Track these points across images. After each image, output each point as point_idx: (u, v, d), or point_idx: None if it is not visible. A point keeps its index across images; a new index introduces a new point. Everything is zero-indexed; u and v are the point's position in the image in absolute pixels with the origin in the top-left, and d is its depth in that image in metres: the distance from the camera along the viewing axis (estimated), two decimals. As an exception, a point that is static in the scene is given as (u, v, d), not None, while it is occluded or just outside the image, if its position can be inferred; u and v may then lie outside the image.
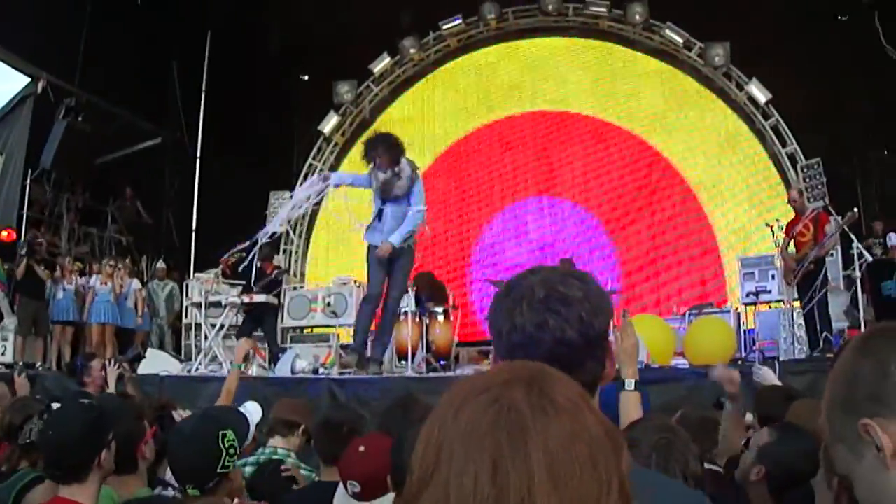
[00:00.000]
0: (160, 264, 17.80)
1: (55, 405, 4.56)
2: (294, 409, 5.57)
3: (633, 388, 3.25)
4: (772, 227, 12.08)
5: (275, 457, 5.10)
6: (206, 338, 12.82)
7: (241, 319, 13.45)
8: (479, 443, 1.10)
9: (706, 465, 4.00)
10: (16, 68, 16.63)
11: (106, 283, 15.17)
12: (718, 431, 5.07)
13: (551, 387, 1.17)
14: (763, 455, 3.46)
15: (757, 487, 3.46)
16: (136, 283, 15.88)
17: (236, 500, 3.50)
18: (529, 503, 1.06)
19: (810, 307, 11.03)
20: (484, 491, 1.07)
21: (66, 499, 3.48)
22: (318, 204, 12.96)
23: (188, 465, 3.45)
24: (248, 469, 4.89)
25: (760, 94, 16.60)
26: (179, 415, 4.68)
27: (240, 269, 13.01)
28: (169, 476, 4.10)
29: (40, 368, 13.85)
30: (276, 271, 13.57)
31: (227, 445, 3.44)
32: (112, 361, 9.25)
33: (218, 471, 3.39)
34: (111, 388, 8.07)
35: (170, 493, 4.05)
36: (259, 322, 13.60)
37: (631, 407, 3.24)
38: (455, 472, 1.10)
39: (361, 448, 3.65)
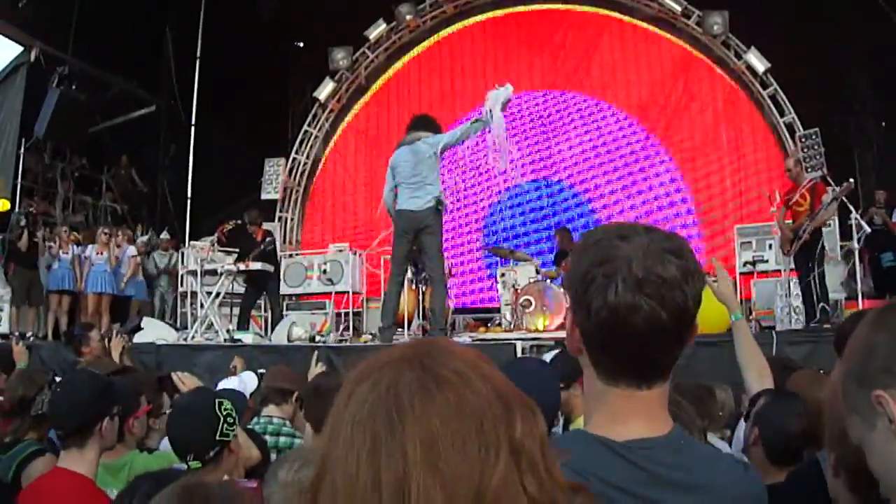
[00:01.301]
0: (164, 235, 17.77)
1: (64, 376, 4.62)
2: (287, 376, 5.56)
3: (741, 317, 3.83)
4: (769, 197, 12.06)
5: (270, 426, 5.09)
6: (202, 306, 12.81)
7: (235, 287, 13.44)
8: (361, 426, 1.13)
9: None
10: (8, 37, 16.54)
11: (102, 253, 15.15)
12: (714, 401, 5.06)
13: (438, 362, 1.18)
14: (757, 418, 3.52)
15: (755, 452, 3.52)
16: (131, 250, 15.83)
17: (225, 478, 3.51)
18: (406, 484, 1.08)
19: (807, 278, 11.02)
20: (364, 474, 1.10)
21: (65, 469, 3.58)
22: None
23: (187, 434, 3.47)
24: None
25: (759, 63, 16.55)
26: (178, 377, 4.68)
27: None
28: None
29: (32, 338, 13.83)
30: (266, 239, 13.54)
31: (224, 413, 3.48)
32: (116, 333, 9.27)
33: (217, 438, 3.42)
34: (117, 361, 8.06)
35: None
36: (261, 289, 13.64)
37: (744, 331, 3.80)
38: (341, 457, 1.13)
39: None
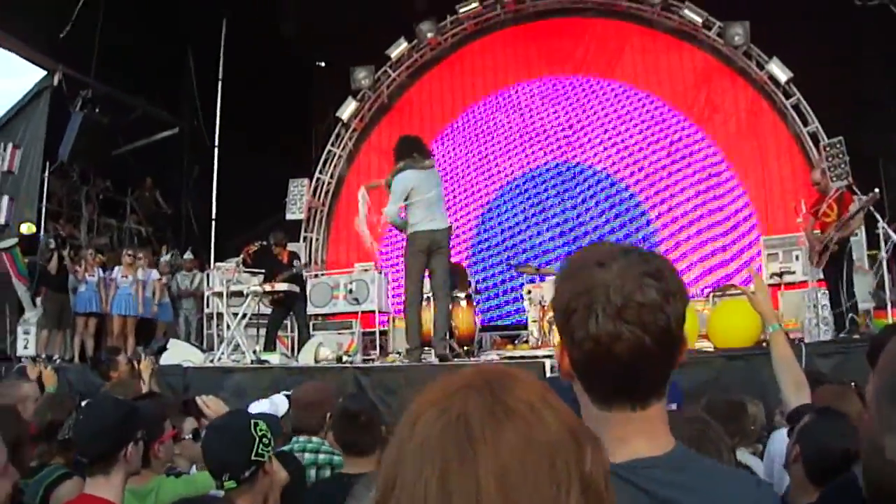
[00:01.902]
0: (187, 255, 17.84)
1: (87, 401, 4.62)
2: (316, 390, 5.53)
3: (778, 328, 3.78)
4: (796, 208, 12.00)
5: (309, 444, 5.07)
6: (228, 327, 12.83)
7: (261, 308, 13.47)
8: (430, 455, 1.09)
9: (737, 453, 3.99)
10: (32, 62, 16.66)
11: (127, 276, 15.20)
12: (745, 417, 5.03)
13: (507, 391, 1.15)
14: (800, 435, 3.50)
15: (795, 469, 3.51)
16: (154, 273, 15.88)
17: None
18: None
19: (836, 288, 10.95)
20: (433, 500, 1.06)
21: (92, 495, 3.58)
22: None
23: (222, 453, 3.51)
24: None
25: (781, 72, 16.48)
26: (202, 400, 4.68)
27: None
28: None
29: (59, 361, 13.89)
30: (295, 262, 13.59)
31: (259, 434, 3.52)
32: (144, 356, 9.28)
33: (252, 458, 3.46)
34: (146, 384, 8.08)
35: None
36: (288, 309, 13.69)
37: (781, 343, 3.69)
38: (408, 485, 1.09)
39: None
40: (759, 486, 1.83)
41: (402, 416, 1.20)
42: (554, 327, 11.89)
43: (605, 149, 18.58)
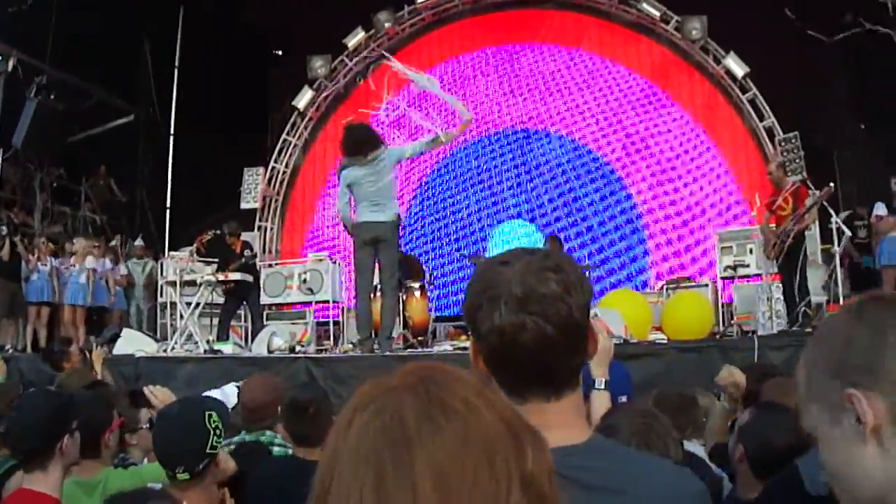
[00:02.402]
0: (138, 242, 17.73)
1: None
2: (262, 398, 5.45)
3: (602, 387, 3.27)
4: (750, 201, 12.07)
5: (262, 437, 5.01)
6: (181, 317, 12.76)
7: (215, 298, 13.41)
8: (365, 458, 1.07)
9: (685, 444, 3.98)
10: (-15, 46, 16.49)
11: (75, 265, 15.04)
12: (697, 409, 5.04)
13: (443, 389, 1.13)
14: (742, 434, 3.51)
15: (741, 468, 3.50)
16: (108, 263, 15.75)
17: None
18: None
19: (790, 282, 11.03)
20: None
21: (30, 489, 3.56)
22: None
23: (177, 446, 3.50)
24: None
25: (738, 67, 16.56)
26: (150, 390, 4.63)
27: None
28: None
29: (11, 351, 13.75)
30: (245, 252, 13.54)
31: (213, 426, 3.53)
32: (95, 345, 9.21)
33: (207, 451, 3.47)
34: (98, 373, 8.01)
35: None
36: (240, 299, 13.65)
37: (600, 405, 3.26)
38: (343, 489, 1.07)
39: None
40: (682, 472, 1.87)
41: (338, 415, 1.18)
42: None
43: (562, 115, 18.71)
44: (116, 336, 12.80)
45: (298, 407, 4.45)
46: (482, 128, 19.19)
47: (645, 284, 16.43)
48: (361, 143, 10.57)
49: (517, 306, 1.70)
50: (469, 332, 1.86)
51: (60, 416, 3.65)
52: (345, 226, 10.98)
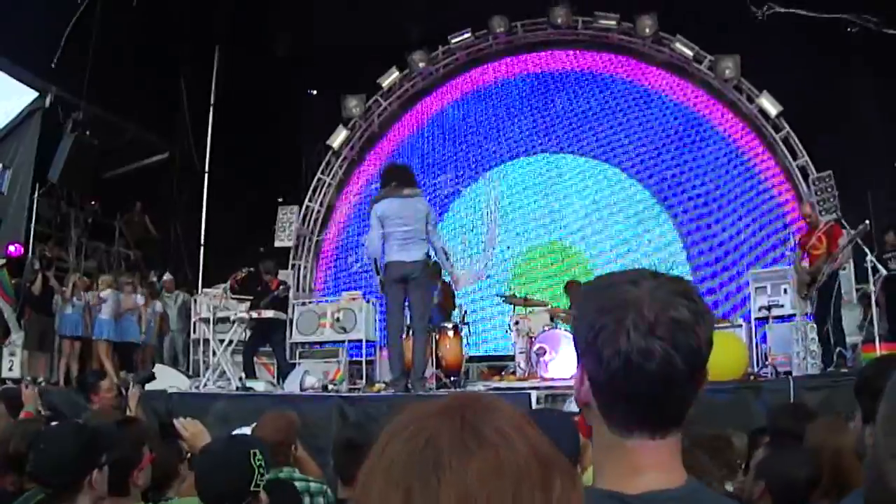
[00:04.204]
0: (167, 276, 17.79)
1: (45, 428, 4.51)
2: (277, 430, 5.41)
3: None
4: (784, 241, 12.00)
5: (280, 473, 4.98)
6: (214, 353, 12.78)
7: (248, 335, 13.44)
8: (396, 478, 1.10)
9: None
10: (24, 83, 16.68)
11: (106, 300, 15.07)
12: (731, 450, 4.99)
13: (480, 419, 1.15)
14: (763, 471, 3.49)
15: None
16: (139, 298, 15.80)
17: None
18: None
19: (823, 322, 10.95)
20: None
21: None
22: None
23: (223, 485, 3.49)
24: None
25: (771, 106, 16.52)
26: (180, 423, 4.62)
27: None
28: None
29: (43, 384, 13.81)
30: (280, 287, 13.57)
31: (257, 464, 3.51)
32: (132, 384, 9.23)
33: (251, 489, 3.47)
34: (132, 412, 8.03)
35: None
36: (266, 337, 13.62)
37: None
38: None
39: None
40: None
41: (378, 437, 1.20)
42: (542, 359, 11.92)
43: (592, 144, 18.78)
44: (151, 377, 12.84)
45: (354, 447, 4.42)
46: (514, 151, 19.32)
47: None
48: (401, 177, 10.58)
49: (647, 330, 1.56)
50: (577, 352, 1.70)
51: (89, 450, 3.64)
52: (374, 262, 10.93)
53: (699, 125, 17.86)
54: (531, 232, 18.79)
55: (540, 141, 19.26)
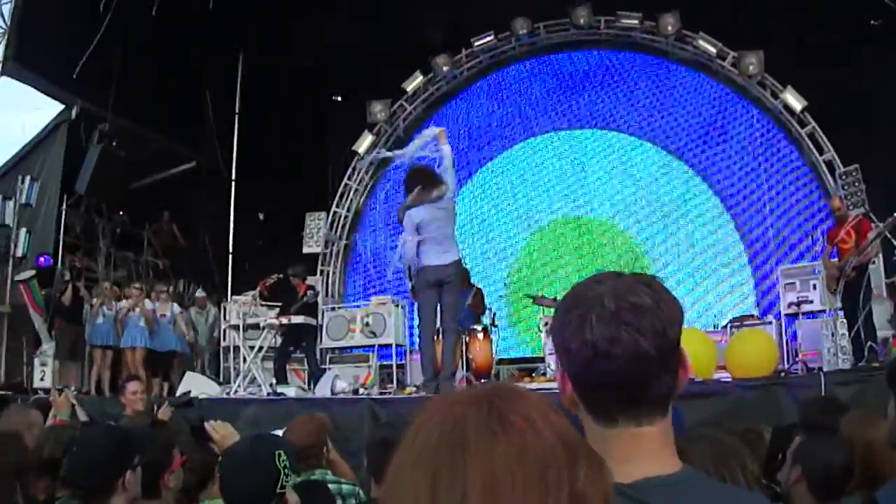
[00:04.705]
0: (199, 293, 17.85)
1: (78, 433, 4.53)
2: (308, 433, 5.42)
3: None
4: (812, 236, 11.93)
5: (313, 477, 4.99)
6: (244, 360, 12.82)
7: (279, 341, 13.47)
8: (424, 461, 1.13)
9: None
10: (50, 95, 16.78)
11: (135, 310, 15.12)
12: (763, 445, 4.98)
13: (509, 405, 1.18)
14: (800, 457, 3.50)
15: (797, 490, 3.52)
16: (176, 307, 15.83)
17: None
18: None
19: (853, 316, 10.88)
20: None
21: None
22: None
23: (248, 487, 3.48)
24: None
25: (796, 101, 16.42)
26: (211, 425, 4.62)
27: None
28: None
29: (75, 393, 13.87)
30: (308, 292, 13.59)
31: (282, 465, 3.49)
32: (167, 404, 9.27)
33: (277, 490, 3.44)
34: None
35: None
36: (297, 342, 13.65)
37: None
38: (402, 491, 1.14)
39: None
40: None
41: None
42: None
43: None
44: (188, 403, 12.83)
45: (390, 445, 4.40)
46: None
47: (711, 323, 16.18)
48: (425, 179, 10.60)
49: (610, 318, 1.62)
50: (556, 358, 1.78)
51: (122, 451, 3.66)
52: (408, 268, 10.98)
53: (724, 122, 17.80)
54: (556, 205, 19.06)
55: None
